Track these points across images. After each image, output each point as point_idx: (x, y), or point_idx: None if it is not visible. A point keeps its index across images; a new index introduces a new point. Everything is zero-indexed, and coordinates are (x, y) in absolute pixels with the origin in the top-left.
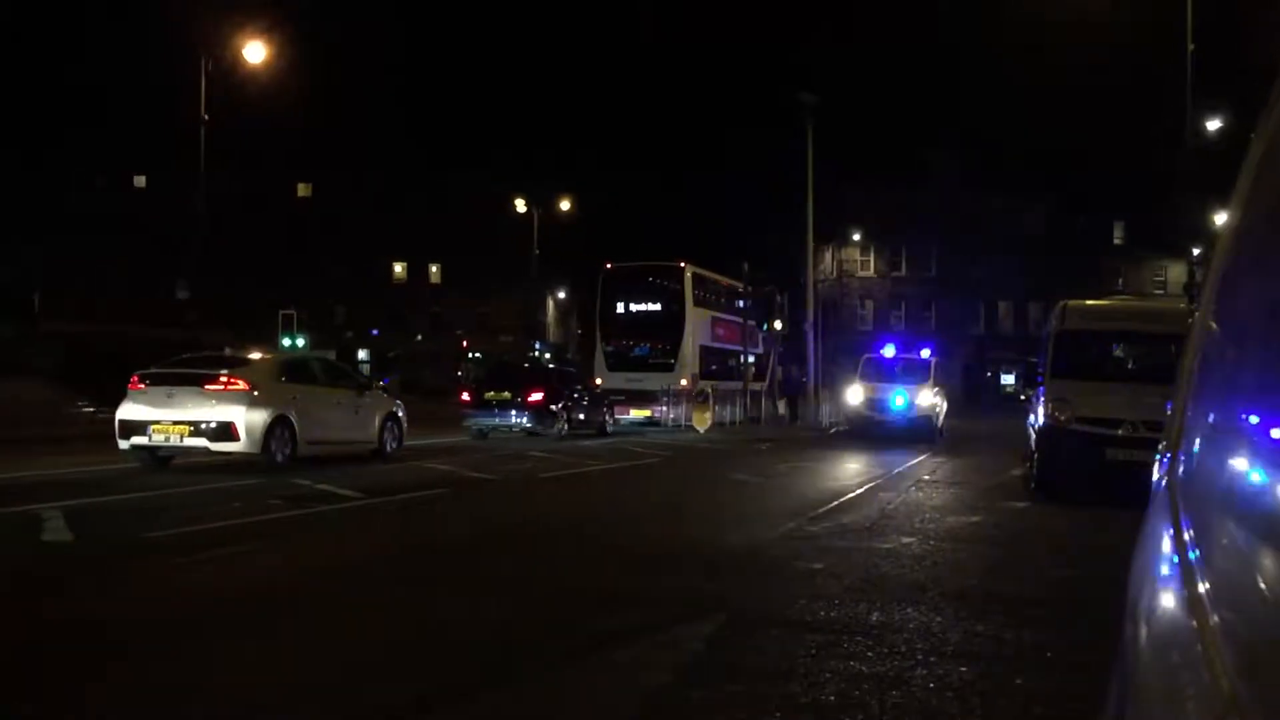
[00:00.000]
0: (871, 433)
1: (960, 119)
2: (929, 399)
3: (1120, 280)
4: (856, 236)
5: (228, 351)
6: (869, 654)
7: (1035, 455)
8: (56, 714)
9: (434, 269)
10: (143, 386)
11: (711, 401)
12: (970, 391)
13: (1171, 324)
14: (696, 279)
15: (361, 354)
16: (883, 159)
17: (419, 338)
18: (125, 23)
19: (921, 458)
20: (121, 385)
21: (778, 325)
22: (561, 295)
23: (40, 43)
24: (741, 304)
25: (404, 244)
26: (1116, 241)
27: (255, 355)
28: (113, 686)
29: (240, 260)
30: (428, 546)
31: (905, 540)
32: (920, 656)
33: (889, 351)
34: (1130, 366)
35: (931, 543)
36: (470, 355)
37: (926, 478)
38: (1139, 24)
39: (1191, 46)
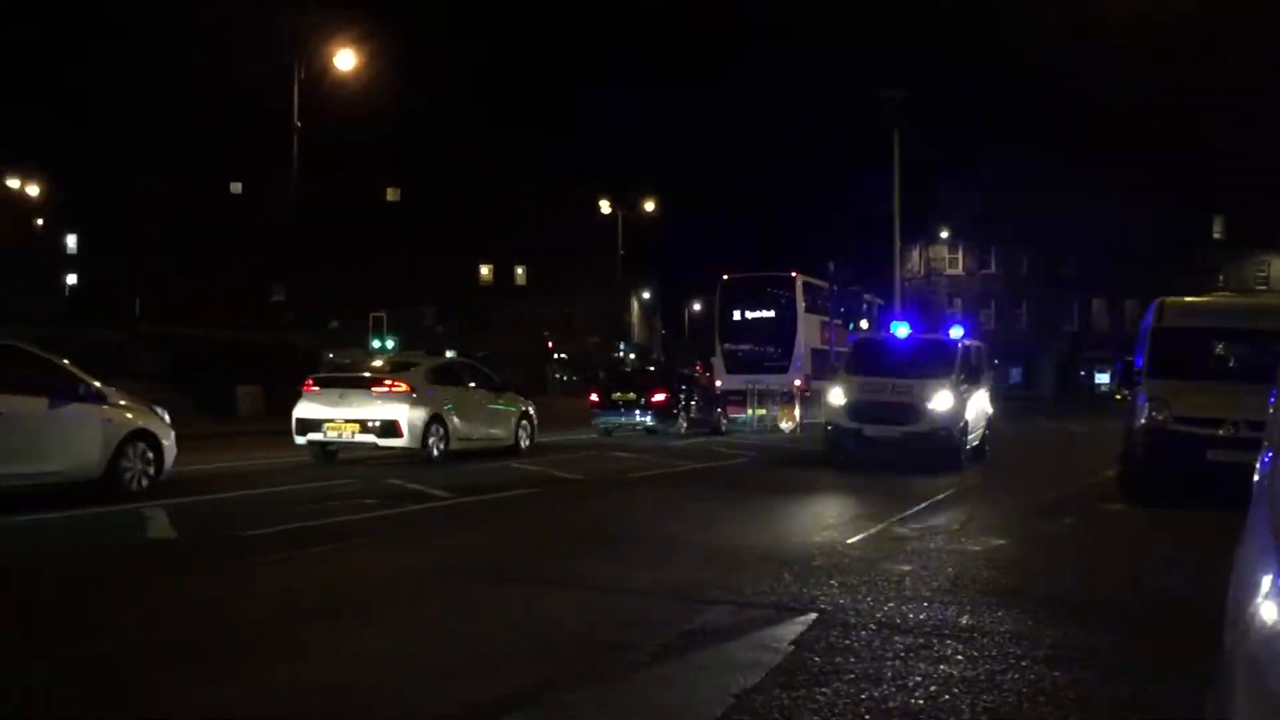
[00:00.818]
0: (847, 457)
1: (1053, 111)
2: (949, 401)
3: (1220, 276)
4: (944, 234)
5: (388, 358)
6: (959, 657)
7: (1132, 456)
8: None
9: (519, 271)
10: (316, 389)
11: (798, 401)
12: (1064, 391)
13: (1274, 321)
14: (807, 287)
15: (449, 354)
16: (972, 154)
17: (470, 348)
18: (220, 31)
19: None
20: (221, 386)
21: (864, 325)
22: (646, 296)
23: (136, 51)
24: (843, 307)
25: (490, 247)
26: (1216, 236)
27: (369, 360)
28: (187, 686)
29: (331, 263)
30: (512, 545)
31: (996, 543)
32: (1012, 660)
33: (902, 331)
34: (1231, 365)
35: (1023, 545)
36: (555, 356)
37: (1019, 481)
38: (1237, 11)
39: None
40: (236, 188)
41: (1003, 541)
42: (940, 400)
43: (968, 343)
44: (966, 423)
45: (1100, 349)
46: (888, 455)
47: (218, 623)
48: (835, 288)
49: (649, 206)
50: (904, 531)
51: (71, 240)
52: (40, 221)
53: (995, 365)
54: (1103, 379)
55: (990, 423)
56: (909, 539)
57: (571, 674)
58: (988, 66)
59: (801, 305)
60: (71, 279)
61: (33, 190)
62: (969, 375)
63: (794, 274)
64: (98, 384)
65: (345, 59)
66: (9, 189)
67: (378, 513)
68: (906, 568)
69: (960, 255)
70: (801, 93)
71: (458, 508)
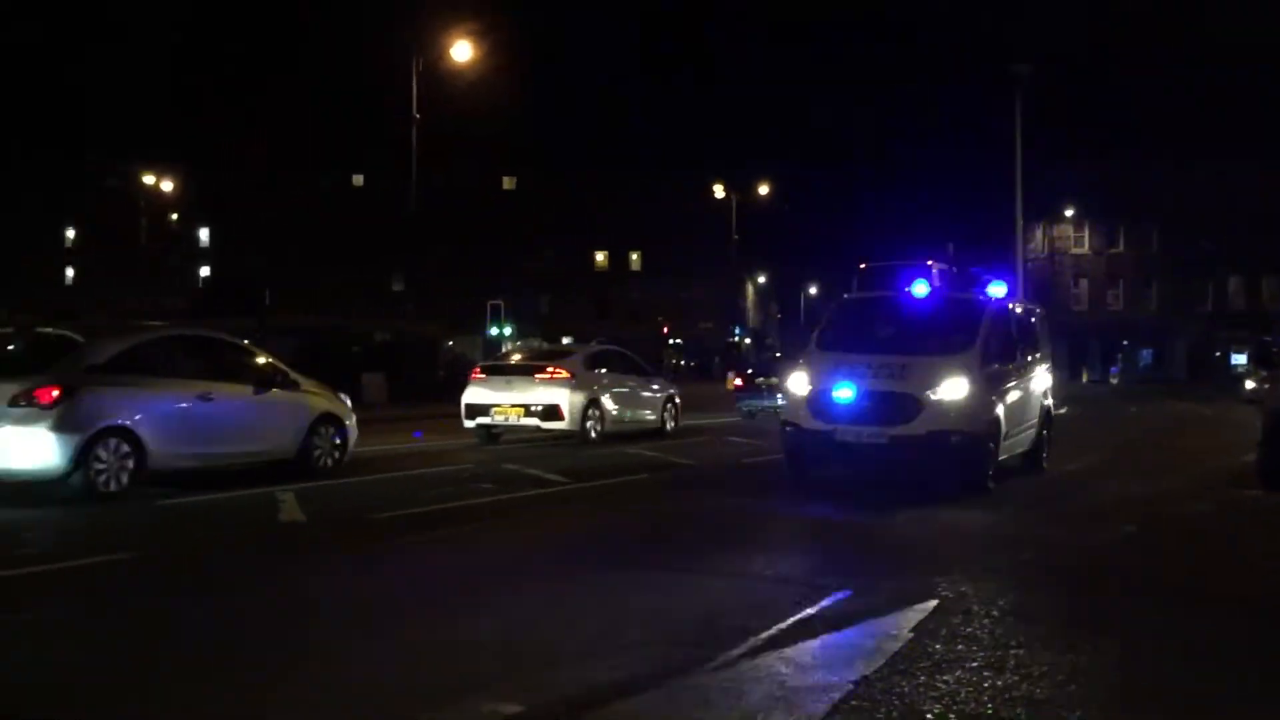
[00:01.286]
0: (813, 472)
1: (1185, 81)
2: (963, 389)
3: None
4: (1069, 212)
5: (543, 345)
6: (1087, 646)
7: (1270, 440)
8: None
9: (634, 257)
10: (483, 376)
11: None
12: (1197, 373)
13: None
14: (941, 274)
15: (566, 339)
16: (1099, 128)
17: (586, 335)
18: (342, 27)
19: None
20: (346, 375)
21: None
22: (761, 280)
23: (263, 50)
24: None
25: (605, 233)
26: None
27: (513, 349)
28: (323, 660)
29: (450, 252)
30: (627, 531)
31: (1126, 529)
32: (1143, 652)
33: (920, 290)
34: None
35: (1154, 532)
36: (670, 341)
37: (1148, 462)
38: None
39: None
40: (358, 180)
41: (1131, 527)
42: (950, 387)
43: (1012, 305)
44: (998, 421)
45: (1237, 329)
46: (870, 470)
47: (341, 604)
48: (954, 270)
49: (763, 190)
50: (1030, 517)
51: (204, 234)
52: (175, 217)
53: (1125, 347)
54: (1239, 360)
55: (1049, 418)
56: (1035, 524)
57: (692, 658)
58: (1115, 37)
59: None
60: (205, 271)
61: (167, 186)
62: (1004, 352)
63: (930, 262)
64: (292, 372)
65: (462, 50)
66: (147, 186)
67: (496, 497)
68: (1028, 555)
69: (1086, 233)
70: (922, 69)
71: (574, 493)
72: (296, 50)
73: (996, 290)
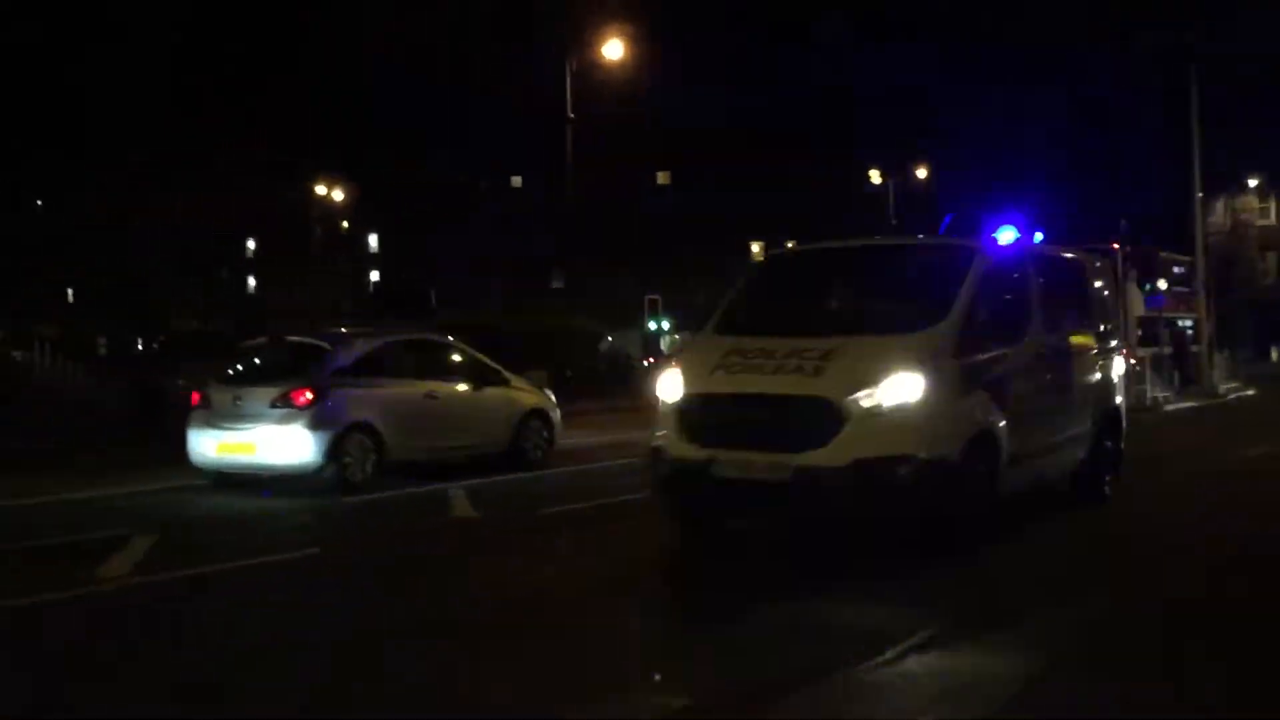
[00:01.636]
0: (694, 516)
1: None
2: (918, 388)
3: None
4: (1253, 182)
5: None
6: (1261, 647)
7: None
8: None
9: (790, 245)
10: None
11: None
12: None
13: None
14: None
15: None
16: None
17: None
18: (497, 31)
19: None
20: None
21: (1162, 285)
22: None
23: (424, 60)
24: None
25: (758, 224)
26: None
27: None
28: (490, 659)
29: (607, 248)
30: (778, 529)
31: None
32: None
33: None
34: None
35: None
36: None
37: None
38: None
39: None
40: (517, 181)
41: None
42: (894, 386)
43: (1034, 255)
44: (992, 436)
45: None
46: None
47: (502, 600)
48: (1129, 247)
49: (920, 174)
50: (1186, 517)
51: (373, 240)
52: (346, 224)
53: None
54: None
55: (1115, 422)
56: (1188, 525)
57: (854, 655)
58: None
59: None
60: (375, 274)
61: (338, 195)
62: (1010, 325)
63: (1115, 245)
64: (503, 370)
65: (614, 49)
66: (319, 195)
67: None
68: (1185, 539)
69: (1272, 205)
70: (1089, 38)
71: None
72: (453, 54)
73: (1005, 236)
